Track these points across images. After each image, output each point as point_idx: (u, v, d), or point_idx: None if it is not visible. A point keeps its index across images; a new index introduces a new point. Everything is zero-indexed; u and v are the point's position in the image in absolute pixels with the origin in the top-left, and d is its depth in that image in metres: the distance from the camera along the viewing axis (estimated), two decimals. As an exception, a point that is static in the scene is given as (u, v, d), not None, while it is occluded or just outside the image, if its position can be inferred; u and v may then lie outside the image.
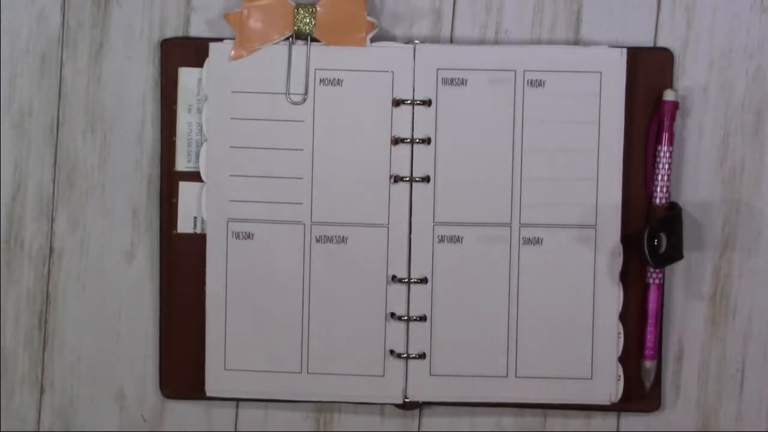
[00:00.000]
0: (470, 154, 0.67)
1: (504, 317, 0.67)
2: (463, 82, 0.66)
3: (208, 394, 0.68)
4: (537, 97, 0.66)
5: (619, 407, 0.68)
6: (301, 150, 0.67)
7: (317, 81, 0.67)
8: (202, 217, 0.68)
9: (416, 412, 0.69)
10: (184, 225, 0.68)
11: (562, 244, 0.67)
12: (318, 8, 0.66)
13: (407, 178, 0.67)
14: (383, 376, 0.67)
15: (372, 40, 0.66)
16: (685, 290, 0.68)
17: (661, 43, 0.68)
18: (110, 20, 0.69)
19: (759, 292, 0.68)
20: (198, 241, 0.68)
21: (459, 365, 0.67)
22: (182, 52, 0.68)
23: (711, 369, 0.69)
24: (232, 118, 0.67)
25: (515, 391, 0.67)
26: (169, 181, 0.68)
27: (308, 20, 0.66)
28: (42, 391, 0.70)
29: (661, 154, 0.67)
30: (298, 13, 0.66)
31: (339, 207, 0.67)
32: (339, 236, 0.67)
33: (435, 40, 0.68)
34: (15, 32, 0.69)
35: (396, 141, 0.67)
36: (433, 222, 0.67)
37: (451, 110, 0.66)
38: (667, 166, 0.67)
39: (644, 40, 0.68)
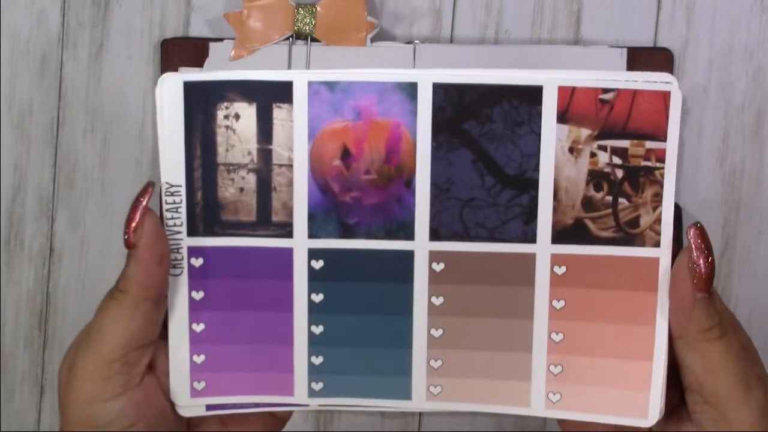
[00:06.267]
0: (470, 154, 0.67)
1: (504, 317, 0.67)
2: (463, 82, 0.66)
3: (208, 394, 0.68)
4: (537, 97, 0.66)
5: (619, 407, 0.68)
6: (301, 150, 0.67)
7: (317, 81, 0.67)
8: (202, 217, 0.68)
9: (416, 412, 0.69)
10: (184, 225, 0.68)
11: (562, 244, 0.67)
12: (318, 8, 0.66)
13: (407, 178, 0.67)
14: (383, 376, 0.67)
15: (372, 40, 0.66)
16: (685, 290, 0.68)
17: (661, 43, 0.68)
18: (110, 20, 0.69)
19: (759, 292, 0.68)
20: (198, 241, 0.67)
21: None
22: (182, 52, 0.68)
23: (711, 369, 0.69)
24: (232, 118, 0.67)
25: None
26: (169, 181, 0.68)
27: (308, 20, 0.66)
28: (42, 391, 0.70)
29: (661, 154, 0.67)
30: (298, 13, 0.66)
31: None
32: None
33: (435, 40, 0.68)
34: (15, 32, 0.69)
35: (396, 141, 0.67)
36: (433, 222, 0.67)
37: (451, 110, 0.66)
38: (667, 166, 0.67)
39: (644, 40, 0.68)
